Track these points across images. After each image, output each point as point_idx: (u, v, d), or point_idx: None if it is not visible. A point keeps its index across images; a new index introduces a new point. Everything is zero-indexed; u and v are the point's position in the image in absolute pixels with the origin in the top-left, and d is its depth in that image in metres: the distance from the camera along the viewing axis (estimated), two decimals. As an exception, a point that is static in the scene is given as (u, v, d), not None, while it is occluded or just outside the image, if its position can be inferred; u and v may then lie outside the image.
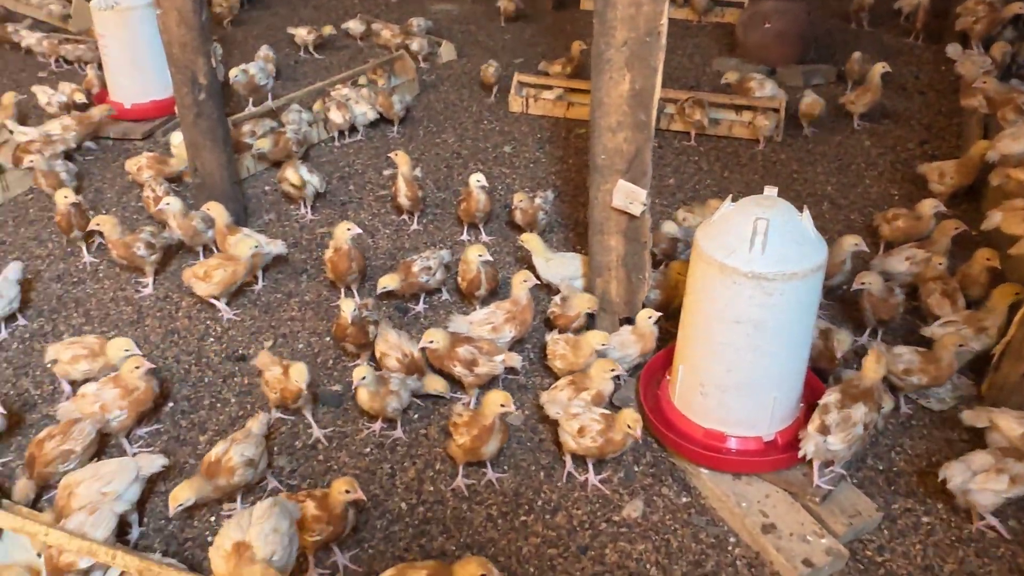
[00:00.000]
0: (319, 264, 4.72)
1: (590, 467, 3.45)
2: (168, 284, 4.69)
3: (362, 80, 6.63)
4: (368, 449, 3.65)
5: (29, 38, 7.86)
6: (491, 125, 6.54)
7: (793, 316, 3.07)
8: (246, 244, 4.30)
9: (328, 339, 4.25)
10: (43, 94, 6.34)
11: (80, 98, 6.36)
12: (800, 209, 3.12)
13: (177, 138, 5.40)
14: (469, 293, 4.32)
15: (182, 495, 3.05)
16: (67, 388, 3.84)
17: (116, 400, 3.44)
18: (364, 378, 3.45)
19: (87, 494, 3.05)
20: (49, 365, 3.78)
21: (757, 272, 2.95)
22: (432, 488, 3.45)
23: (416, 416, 3.81)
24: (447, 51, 7.76)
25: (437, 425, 3.75)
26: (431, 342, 3.68)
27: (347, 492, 2.98)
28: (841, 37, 7.93)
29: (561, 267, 4.35)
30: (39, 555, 3.00)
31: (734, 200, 3.22)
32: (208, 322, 4.40)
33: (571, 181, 5.72)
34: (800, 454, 3.17)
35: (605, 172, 3.76)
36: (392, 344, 3.83)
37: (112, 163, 5.99)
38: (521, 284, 3.93)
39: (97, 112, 6.04)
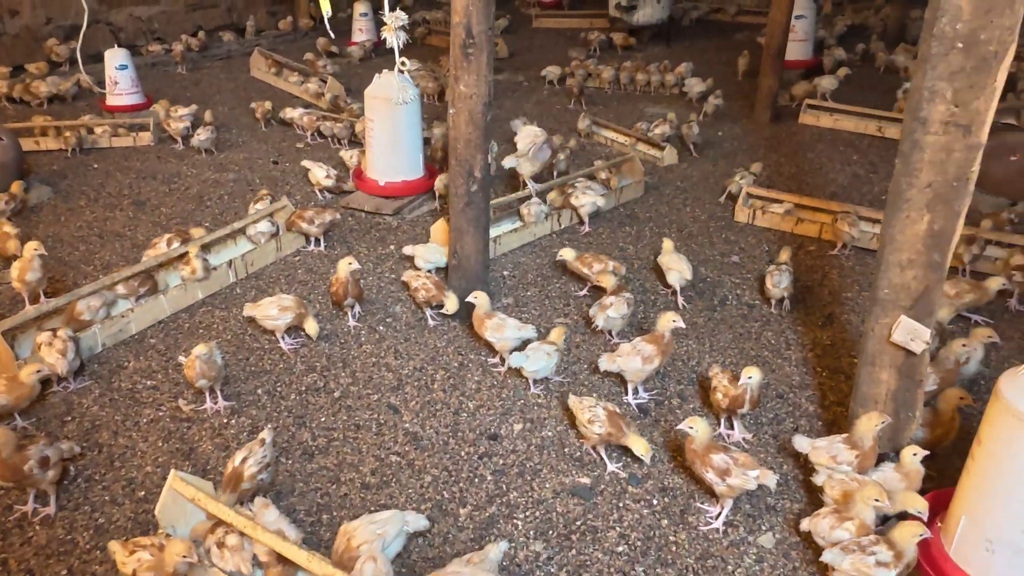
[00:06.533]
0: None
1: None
2: (423, 356, 5.05)
3: (602, 175, 7.02)
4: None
5: (292, 112, 8.87)
6: (719, 233, 6.69)
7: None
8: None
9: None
10: (319, 169, 7.09)
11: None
12: None
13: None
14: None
15: None
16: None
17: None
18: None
19: (363, 534, 3.32)
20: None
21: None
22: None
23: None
24: (669, 155, 8.02)
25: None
26: (691, 428, 3.76)
27: None
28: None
29: None
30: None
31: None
32: (461, 398, 4.68)
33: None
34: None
35: (887, 306, 3.75)
36: None
37: (365, 234, 6.58)
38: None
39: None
